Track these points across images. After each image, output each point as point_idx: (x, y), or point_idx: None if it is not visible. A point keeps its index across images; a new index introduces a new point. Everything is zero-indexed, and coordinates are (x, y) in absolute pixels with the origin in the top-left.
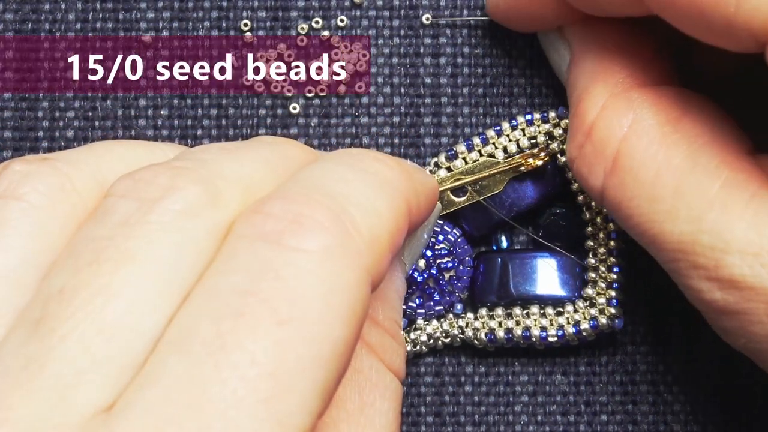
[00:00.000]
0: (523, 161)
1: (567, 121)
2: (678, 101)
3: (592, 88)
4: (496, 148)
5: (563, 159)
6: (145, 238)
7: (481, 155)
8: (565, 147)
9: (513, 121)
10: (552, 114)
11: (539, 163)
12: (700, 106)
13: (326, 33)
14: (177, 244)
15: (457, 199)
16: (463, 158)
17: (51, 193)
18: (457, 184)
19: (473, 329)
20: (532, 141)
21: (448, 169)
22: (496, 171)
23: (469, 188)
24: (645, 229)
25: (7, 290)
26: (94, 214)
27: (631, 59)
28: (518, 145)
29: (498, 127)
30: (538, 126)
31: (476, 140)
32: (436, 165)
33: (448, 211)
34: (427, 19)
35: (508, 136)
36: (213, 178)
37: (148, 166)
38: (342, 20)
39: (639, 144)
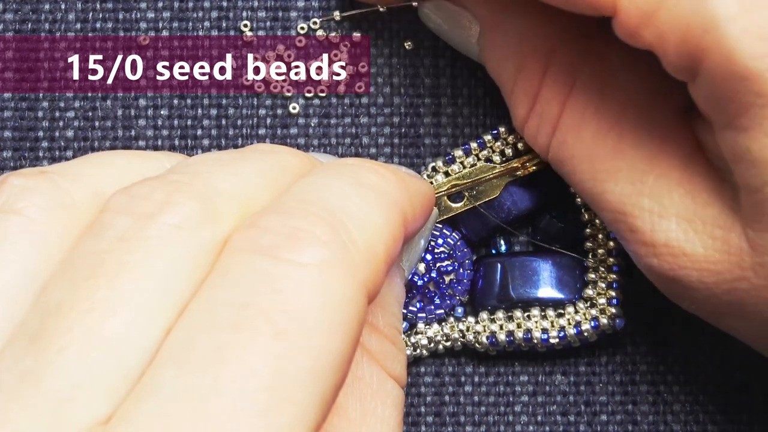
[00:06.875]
0: (520, 165)
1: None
2: (614, 57)
3: (528, 52)
4: (494, 152)
5: None
6: (142, 253)
7: (479, 159)
8: None
9: (510, 124)
10: None
11: (535, 167)
12: (635, 61)
13: (326, 33)
14: (174, 259)
15: (454, 205)
16: (461, 162)
17: (49, 208)
18: (453, 190)
19: (474, 333)
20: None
21: (446, 174)
22: (492, 176)
23: (466, 194)
24: (587, 187)
25: (4, 305)
26: (91, 228)
27: (555, 16)
28: (516, 148)
29: (495, 131)
30: None
31: (473, 144)
32: (434, 169)
33: (445, 216)
34: (302, 28)
35: (505, 139)
36: (209, 193)
37: (144, 181)
38: (342, 20)
39: (579, 103)
